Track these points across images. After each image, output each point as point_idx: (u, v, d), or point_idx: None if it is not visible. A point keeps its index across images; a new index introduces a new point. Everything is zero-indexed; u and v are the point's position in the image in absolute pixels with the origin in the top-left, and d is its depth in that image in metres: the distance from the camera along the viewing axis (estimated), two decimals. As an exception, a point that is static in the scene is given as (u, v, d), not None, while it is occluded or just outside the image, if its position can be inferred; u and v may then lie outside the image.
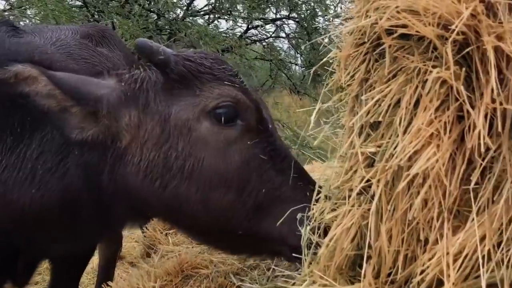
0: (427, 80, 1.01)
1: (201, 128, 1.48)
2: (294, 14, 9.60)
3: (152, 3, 8.22)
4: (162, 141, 1.48)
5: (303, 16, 9.41)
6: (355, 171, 1.16)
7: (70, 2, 7.59)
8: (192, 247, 2.27)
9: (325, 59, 1.30)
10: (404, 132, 1.03)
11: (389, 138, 1.08)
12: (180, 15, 8.57)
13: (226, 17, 9.22)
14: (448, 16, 0.98)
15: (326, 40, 1.30)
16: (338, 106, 1.30)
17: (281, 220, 1.43)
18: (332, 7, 9.47)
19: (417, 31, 1.04)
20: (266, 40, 10.62)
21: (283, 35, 10.40)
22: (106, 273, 3.43)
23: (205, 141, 1.47)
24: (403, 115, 1.04)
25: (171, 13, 8.34)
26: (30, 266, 2.06)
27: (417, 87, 1.04)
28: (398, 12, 1.06)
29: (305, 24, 9.46)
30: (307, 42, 9.22)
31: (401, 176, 1.04)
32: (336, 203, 1.21)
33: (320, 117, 1.34)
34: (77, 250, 2.20)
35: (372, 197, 1.10)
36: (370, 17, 1.13)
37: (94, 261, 3.80)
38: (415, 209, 1.02)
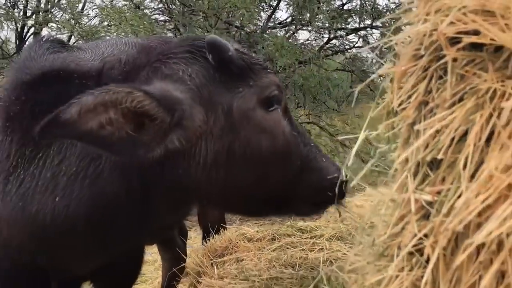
0: (504, 107, 0.72)
1: (257, 115, 1.58)
2: (378, 23, 9.08)
3: (231, 17, 8.20)
4: (226, 133, 1.55)
5: (387, 24, 8.89)
6: (407, 223, 0.89)
7: (152, 17, 7.80)
8: (235, 283, 2.06)
9: (373, 76, 1.04)
10: (471, 178, 0.75)
11: (451, 184, 0.80)
12: (260, 28, 8.46)
13: (306, 28, 8.96)
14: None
15: (374, 52, 1.04)
16: (389, 135, 1.03)
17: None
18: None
19: (492, 39, 0.76)
20: (349, 51, 10.16)
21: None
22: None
23: (260, 126, 1.58)
24: (470, 153, 0.76)
25: (251, 25, 8.26)
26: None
27: (490, 115, 0.76)
28: (465, 14, 0.78)
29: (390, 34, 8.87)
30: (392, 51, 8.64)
31: (467, 236, 0.76)
32: (380, 264, 0.94)
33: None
34: (117, 266, 2.13)
35: (427, 261, 0.82)
36: (429, 21, 0.86)
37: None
38: (486, 284, 0.73)
